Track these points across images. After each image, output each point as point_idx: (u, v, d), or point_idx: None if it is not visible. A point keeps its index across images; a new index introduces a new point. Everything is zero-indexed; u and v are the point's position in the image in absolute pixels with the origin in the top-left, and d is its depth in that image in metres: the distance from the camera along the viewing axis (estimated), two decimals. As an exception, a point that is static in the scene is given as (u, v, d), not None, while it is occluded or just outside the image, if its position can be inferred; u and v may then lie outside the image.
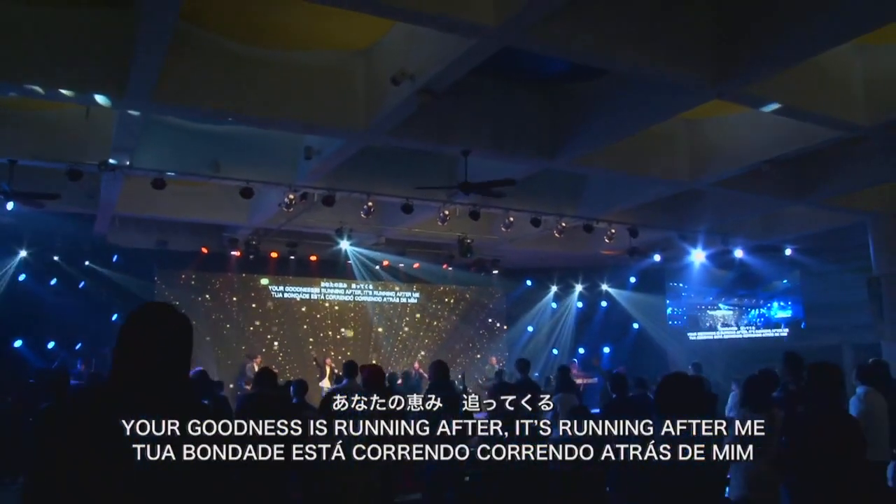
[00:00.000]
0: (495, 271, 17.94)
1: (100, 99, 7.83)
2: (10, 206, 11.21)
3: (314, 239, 15.15)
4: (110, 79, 7.43)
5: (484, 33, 6.23)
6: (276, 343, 16.80)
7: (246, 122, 8.87)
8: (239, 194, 10.81)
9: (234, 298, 16.55)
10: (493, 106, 9.44)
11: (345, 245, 14.35)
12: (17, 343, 13.29)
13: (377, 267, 16.80)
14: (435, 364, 6.96)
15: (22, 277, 13.69)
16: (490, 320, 19.54)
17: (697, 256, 16.48)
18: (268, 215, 12.86)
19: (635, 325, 19.00)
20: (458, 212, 12.44)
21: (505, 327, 19.69)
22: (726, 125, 10.32)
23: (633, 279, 18.85)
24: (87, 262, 14.45)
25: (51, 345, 13.62)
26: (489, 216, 13.19)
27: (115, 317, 14.60)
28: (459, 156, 10.00)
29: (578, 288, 19.61)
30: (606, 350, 19.14)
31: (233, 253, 15.08)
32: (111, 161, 9.81)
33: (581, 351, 19.07)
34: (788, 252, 16.68)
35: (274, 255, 16.02)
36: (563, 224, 12.98)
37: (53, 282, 14.10)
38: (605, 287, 19.38)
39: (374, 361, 16.94)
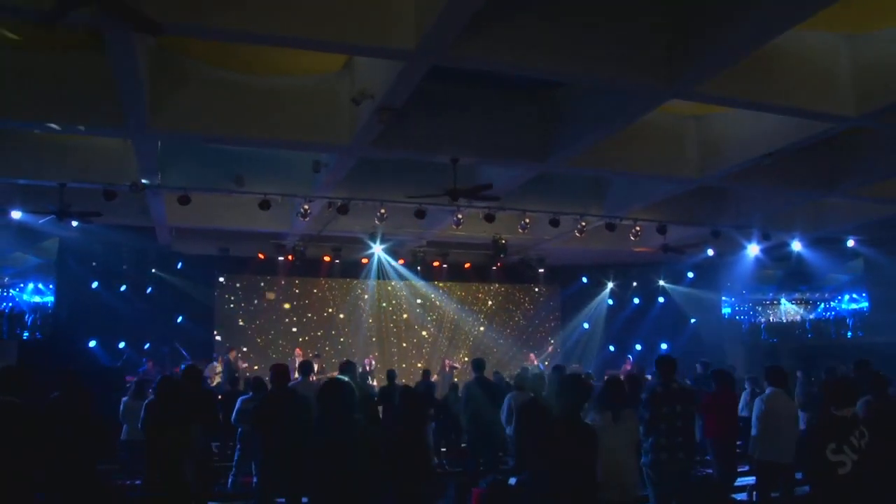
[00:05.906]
0: (541, 269, 18.00)
1: (106, 131, 8.80)
2: (74, 223, 12.69)
3: (357, 243, 15.84)
4: (110, 113, 8.34)
5: (407, 57, 6.59)
6: (327, 340, 17.74)
7: (240, 144, 9.61)
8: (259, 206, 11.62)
9: (287, 300, 17.63)
10: (481, 114, 9.67)
11: (377, 249, 14.99)
12: (92, 343, 14.86)
13: (418, 268, 17.31)
14: (341, 364, 7.22)
15: (94, 285, 15.26)
16: (542, 317, 19.63)
17: (752, 250, 15.88)
18: (306, 223, 13.62)
19: (692, 321, 18.53)
20: (481, 215, 12.67)
21: (558, 324, 19.72)
22: (731, 118, 10.04)
23: (690, 274, 18.39)
24: (153, 270, 15.87)
25: (121, 345, 15.11)
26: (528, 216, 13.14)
27: (179, 319, 15.99)
28: (468, 161, 10.28)
29: (634, 284, 19.34)
30: (664, 346, 18.75)
31: (280, 258, 16.07)
32: (143, 181, 10.89)
33: (638, 347, 18.80)
34: (851, 243, 15.74)
35: (327, 258, 16.86)
36: (583, 224, 12.97)
37: (123, 288, 15.60)
38: (661, 283, 19.02)
39: (421, 361, 17.56)
